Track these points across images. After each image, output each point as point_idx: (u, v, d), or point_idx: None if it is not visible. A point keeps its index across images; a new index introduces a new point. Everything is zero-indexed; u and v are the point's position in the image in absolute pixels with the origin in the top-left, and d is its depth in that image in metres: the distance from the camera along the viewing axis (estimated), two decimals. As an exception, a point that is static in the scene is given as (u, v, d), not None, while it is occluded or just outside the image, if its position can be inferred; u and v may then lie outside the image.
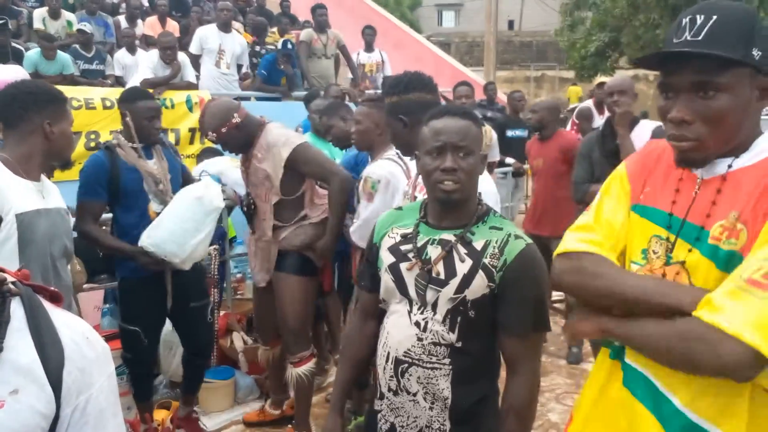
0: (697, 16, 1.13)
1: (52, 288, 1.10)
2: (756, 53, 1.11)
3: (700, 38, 1.12)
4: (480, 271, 1.57)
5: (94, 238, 2.80)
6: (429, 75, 2.21)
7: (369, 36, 8.03)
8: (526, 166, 6.82)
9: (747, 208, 1.12)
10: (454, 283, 1.58)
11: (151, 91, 5.65)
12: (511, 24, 29.78)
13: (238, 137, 2.89)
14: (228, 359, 3.87)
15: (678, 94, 1.16)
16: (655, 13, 12.34)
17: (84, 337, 1.02)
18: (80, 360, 0.99)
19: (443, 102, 2.88)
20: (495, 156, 5.48)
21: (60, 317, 1.02)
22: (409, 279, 1.64)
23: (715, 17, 1.12)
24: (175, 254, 2.74)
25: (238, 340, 3.88)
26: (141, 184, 2.83)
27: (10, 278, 0.99)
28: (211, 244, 4.11)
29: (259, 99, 6.69)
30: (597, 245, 1.30)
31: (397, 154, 2.59)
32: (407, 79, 2.19)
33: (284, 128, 2.99)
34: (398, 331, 1.66)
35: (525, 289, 1.55)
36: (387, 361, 1.68)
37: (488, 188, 2.03)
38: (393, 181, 2.56)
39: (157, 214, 2.86)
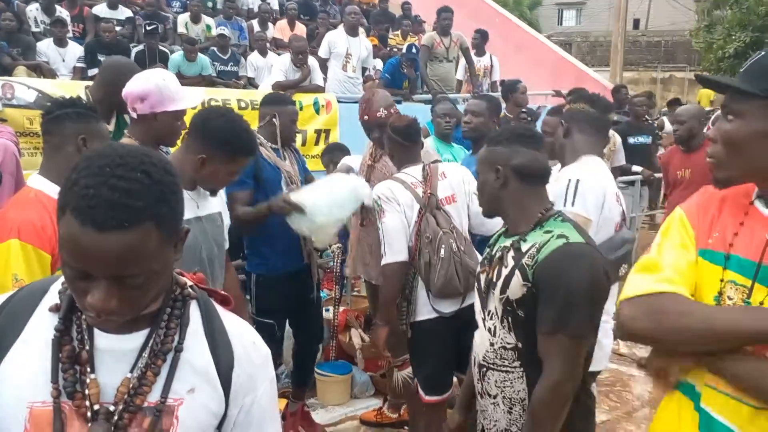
0: (758, 53, 1.24)
1: (223, 292, 1.18)
2: None
3: (742, 71, 1.23)
4: (517, 271, 1.62)
5: (245, 221, 2.81)
6: (607, 99, 2.51)
7: (475, 40, 7.91)
8: (658, 175, 6.52)
9: None
10: (499, 284, 1.66)
11: (282, 92, 5.99)
12: (636, 23, 28.26)
13: None
14: (346, 355, 3.99)
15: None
16: (807, 10, 11.22)
17: (251, 341, 1.08)
18: (247, 364, 1.04)
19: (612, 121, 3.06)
20: (620, 160, 5.25)
21: (230, 321, 1.08)
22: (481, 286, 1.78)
23: (763, 53, 1.21)
24: (317, 211, 2.70)
25: (356, 337, 3.99)
26: (280, 183, 2.97)
27: (189, 282, 1.07)
28: (334, 243, 4.28)
29: (380, 101, 6.83)
30: (673, 283, 1.23)
31: None
32: (585, 94, 2.42)
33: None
34: (478, 336, 1.79)
35: (551, 286, 1.56)
36: (474, 365, 1.80)
37: (555, 189, 2.15)
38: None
39: None
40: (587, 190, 2.24)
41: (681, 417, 1.27)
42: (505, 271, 1.66)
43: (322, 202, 2.73)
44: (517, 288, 1.62)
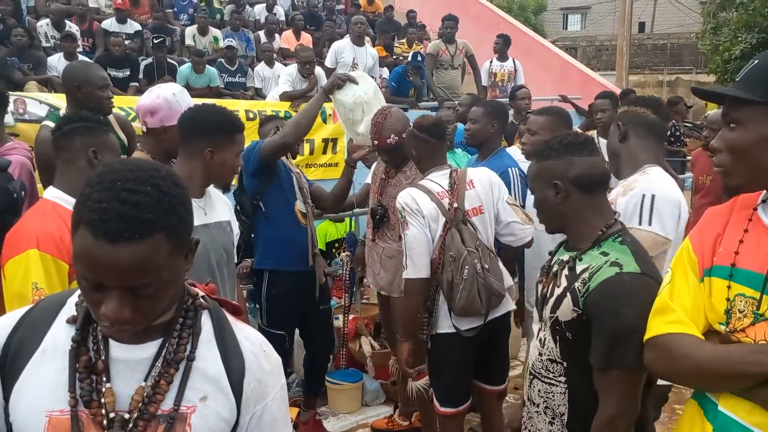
0: (751, 61, 1.26)
1: (234, 302, 1.20)
2: None
3: (738, 79, 1.25)
4: (568, 294, 1.59)
5: (300, 119, 3.15)
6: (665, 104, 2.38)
7: (498, 45, 7.93)
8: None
9: None
10: (551, 303, 1.64)
11: (289, 103, 6.04)
12: (642, 26, 28.21)
13: (405, 150, 2.97)
14: (356, 363, 4.00)
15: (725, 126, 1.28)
16: (814, 11, 11.16)
17: (262, 349, 1.10)
18: (258, 372, 1.07)
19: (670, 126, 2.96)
20: None
21: (241, 330, 1.11)
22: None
23: (756, 62, 1.24)
24: (368, 86, 3.28)
25: (366, 344, 3.99)
26: (293, 182, 3.09)
27: (200, 293, 1.10)
28: (343, 251, 4.31)
29: (386, 109, 6.87)
30: (680, 324, 1.27)
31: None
32: (646, 98, 2.34)
33: None
34: (532, 344, 1.78)
35: (601, 319, 1.51)
36: (526, 371, 1.80)
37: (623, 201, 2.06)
38: None
39: (302, 212, 3.08)
40: (664, 207, 2.02)
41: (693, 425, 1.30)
42: (557, 291, 1.62)
43: (372, 83, 3.35)
44: (567, 311, 1.58)
